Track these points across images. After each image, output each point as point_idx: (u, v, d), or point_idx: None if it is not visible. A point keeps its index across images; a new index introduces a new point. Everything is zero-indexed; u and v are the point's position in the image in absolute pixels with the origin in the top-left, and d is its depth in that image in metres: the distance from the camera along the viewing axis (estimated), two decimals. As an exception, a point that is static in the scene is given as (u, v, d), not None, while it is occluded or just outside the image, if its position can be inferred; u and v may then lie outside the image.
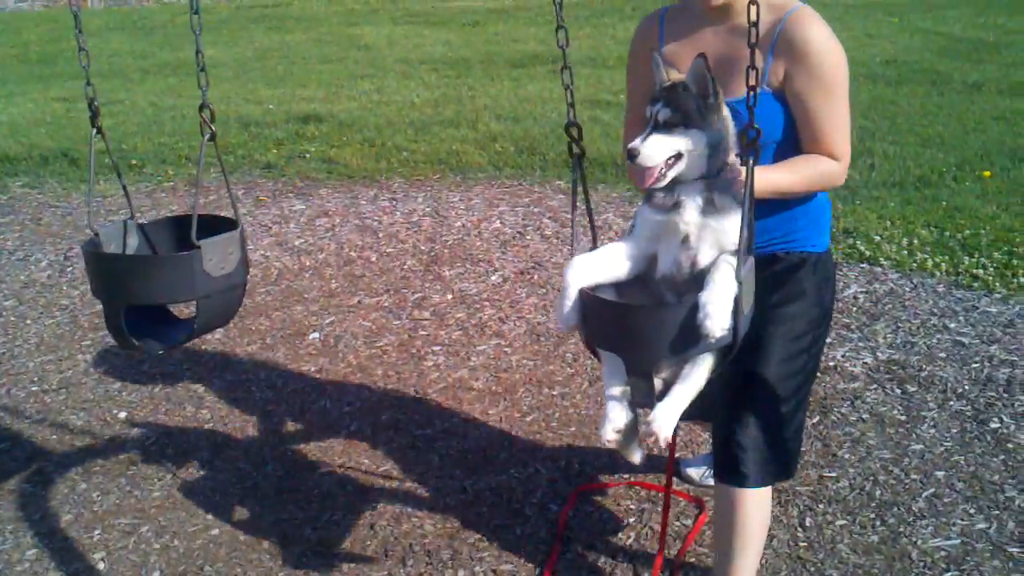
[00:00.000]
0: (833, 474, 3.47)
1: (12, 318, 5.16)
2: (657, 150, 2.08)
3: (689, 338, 1.92)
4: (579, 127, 2.21)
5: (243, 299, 2.72)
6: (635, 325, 2.00)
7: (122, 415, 4.11)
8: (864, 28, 13.29)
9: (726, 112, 2.15)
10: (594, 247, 2.27)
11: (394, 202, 6.85)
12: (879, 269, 5.25)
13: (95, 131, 2.67)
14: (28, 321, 5.11)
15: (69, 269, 5.79)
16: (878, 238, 5.60)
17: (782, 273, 2.59)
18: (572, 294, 2.09)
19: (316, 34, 15.71)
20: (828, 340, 4.35)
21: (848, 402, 3.93)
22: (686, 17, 2.59)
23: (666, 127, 2.09)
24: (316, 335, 4.80)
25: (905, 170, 6.82)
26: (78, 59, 2.59)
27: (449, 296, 5.20)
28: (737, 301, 1.93)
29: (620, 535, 3.23)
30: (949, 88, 9.50)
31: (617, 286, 2.19)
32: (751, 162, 1.95)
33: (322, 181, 7.44)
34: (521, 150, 7.84)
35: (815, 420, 3.79)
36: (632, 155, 2.09)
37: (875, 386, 4.05)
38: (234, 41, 14.98)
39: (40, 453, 3.86)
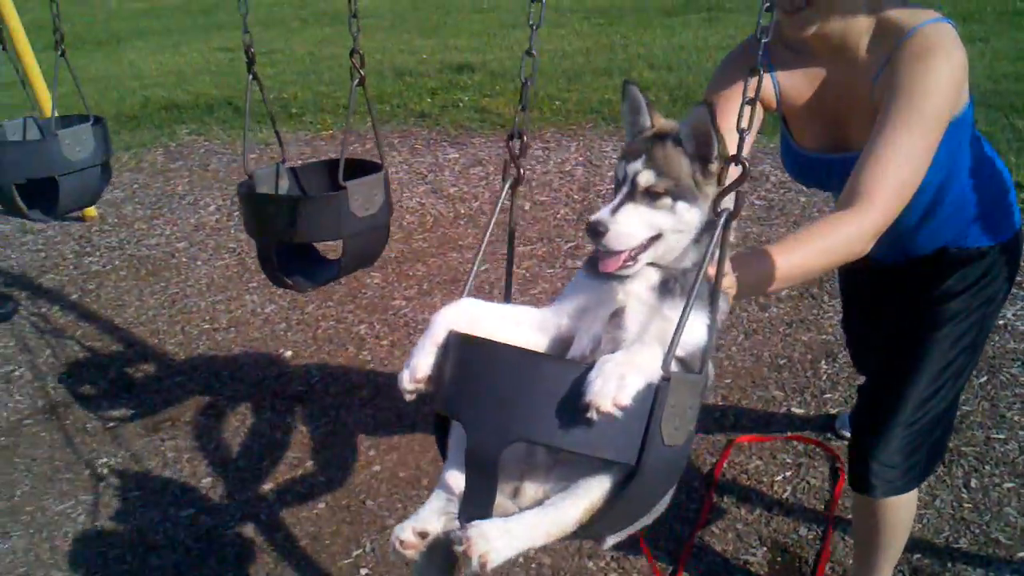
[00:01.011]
0: (1001, 436, 3.35)
1: (184, 259, 5.41)
2: (632, 228, 1.55)
3: (568, 413, 1.28)
4: (523, 139, 1.73)
5: (387, 240, 2.79)
6: (503, 375, 1.34)
7: (288, 354, 4.28)
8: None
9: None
10: (507, 301, 1.81)
11: (547, 151, 6.85)
12: (1054, 225, 5.00)
13: (251, 77, 2.77)
14: (199, 263, 5.35)
15: (236, 213, 6.01)
16: (1053, 193, 5.33)
17: (948, 266, 2.31)
18: (437, 334, 1.48)
19: (468, -17, 15.78)
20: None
21: (1019, 363, 3.78)
22: (785, 46, 2.20)
23: (648, 196, 1.56)
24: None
25: (1085, 121, 6.45)
26: (237, 7, 2.69)
27: (595, 241, 5.18)
28: (656, 400, 1.30)
29: (775, 488, 3.20)
30: None
31: None
32: (724, 216, 1.41)
33: (475, 130, 7.50)
34: (675, 99, 7.72)
35: (983, 380, 3.66)
36: (596, 231, 1.55)
37: (1048, 347, 3.88)
38: (388, -9, 15.18)
39: (212, 388, 4.06)
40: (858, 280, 1.96)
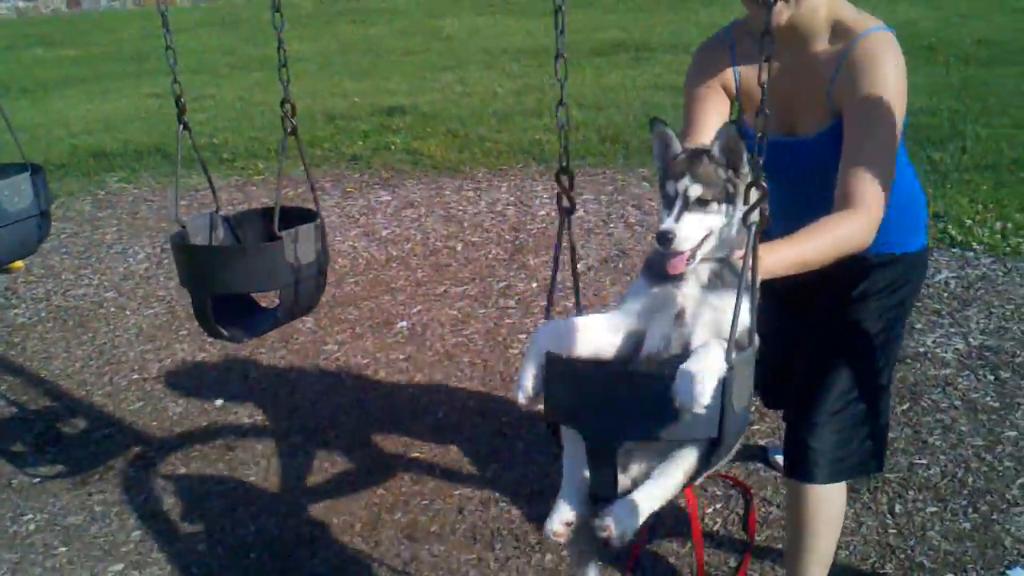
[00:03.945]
0: (924, 461, 3.43)
1: (113, 309, 5.34)
2: (693, 231, 1.83)
3: (663, 414, 1.63)
4: (571, 175, 1.91)
5: (324, 288, 2.80)
6: (603, 390, 1.72)
7: (219, 402, 4.24)
8: (957, 7, 12.94)
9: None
10: (578, 313, 2.05)
11: (478, 192, 6.90)
12: (971, 254, 5.15)
13: (182, 127, 2.77)
14: (128, 312, 5.29)
15: (166, 261, 5.96)
16: (970, 222, 5.48)
17: (863, 270, 2.52)
18: (538, 356, 1.81)
19: (399, 26, 15.85)
20: (918, 326, 4.33)
21: (939, 388, 3.88)
22: (749, 36, 2.45)
23: (699, 204, 1.84)
24: (404, 324, 4.88)
25: (998, 153, 6.64)
26: (165, 57, 2.70)
27: (534, 284, 5.23)
28: (726, 386, 1.63)
29: (705, 521, 3.24)
30: (1046, 68, 9.22)
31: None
32: (753, 228, 1.70)
33: (407, 172, 7.53)
34: (604, 138, 7.82)
35: (905, 407, 3.75)
36: (666, 239, 1.82)
37: (967, 372, 3.98)
38: (318, 35, 15.18)
39: (142, 439, 4.00)
40: (777, 287, 2.12)
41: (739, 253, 1.83)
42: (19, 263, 5.83)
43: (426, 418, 4.00)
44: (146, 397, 4.34)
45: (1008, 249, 5.14)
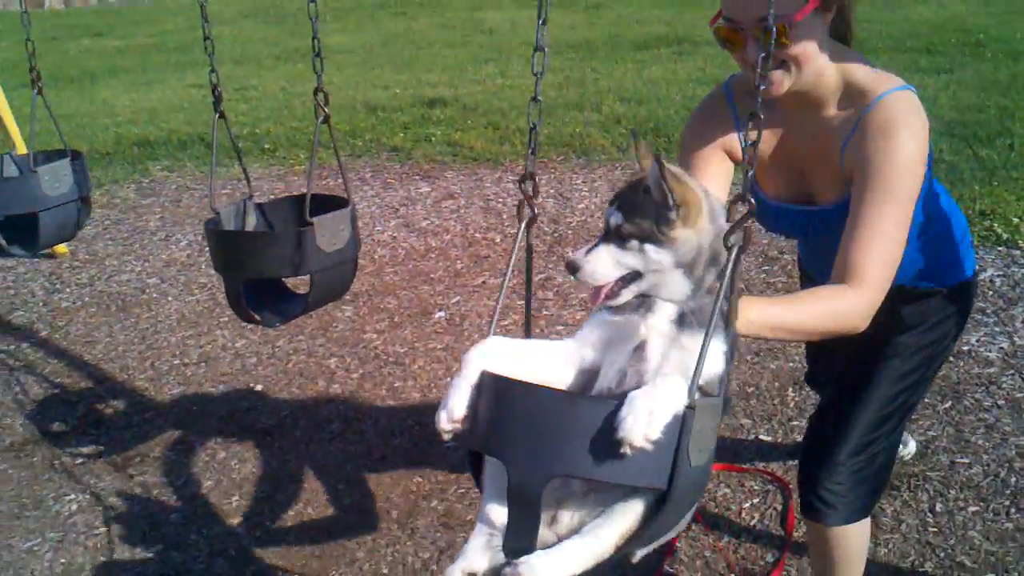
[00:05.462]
0: (966, 460, 3.39)
1: (155, 295, 5.40)
2: (604, 265, 1.63)
3: (603, 450, 1.36)
4: (535, 182, 1.79)
5: (355, 274, 2.81)
6: (537, 413, 1.41)
7: (258, 388, 4.28)
8: (1007, 4, 12.76)
9: (703, 226, 1.62)
10: (527, 336, 1.83)
11: (518, 184, 6.87)
12: (1017, 252, 5.07)
13: (218, 116, 2.81)
14: (170, 298, 5.34)
15: (208, 249, 5.99)
16: (1016, 220, 5.40)
17: (901, 303, 2.32)
18: (470, 374, 1.53)
19: (441, 19, 15.85)
20: (962, 324, 4.25)
21: (983, 387, 3.82)
22: (752, 97, 2.30)
23: (619, 237, 1.63)
24: (442, 314, 4.89)
25: (1047, 150, 6.55)
26: (203, 48, 2.73)
27: (572, 277, 5.21)
28: (683, 427, 1.38)
29: (743, 516, 3.22)
30: (1098, 64, 9.07)
31: None
32: (733, 253, 1.45)
33: (447, 164, 7.54)
34: (645, 132, 7.78)
35: (947, 405, 3.70)
36: (571, 269, 1.66)
37: (1011, 372, 3.92)
38: (360, 28, 15.23)
39: (182, 423, 4.05)
40: None
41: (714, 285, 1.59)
42: (63, 248, 5.90)
43: (463, 408, 4.00)
44: (186, 382, 4.38)
45: (1055, 248, 5.06)
